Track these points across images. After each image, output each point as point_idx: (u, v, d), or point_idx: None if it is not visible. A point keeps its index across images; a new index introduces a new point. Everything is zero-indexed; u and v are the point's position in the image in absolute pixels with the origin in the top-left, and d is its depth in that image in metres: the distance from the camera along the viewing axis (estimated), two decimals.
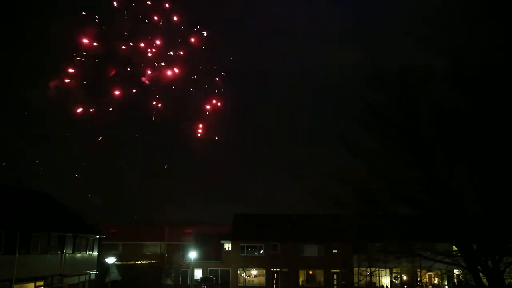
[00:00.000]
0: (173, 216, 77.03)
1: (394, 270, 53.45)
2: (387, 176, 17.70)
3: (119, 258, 43.50)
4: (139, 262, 50.69)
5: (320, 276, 54.72)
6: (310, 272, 55.47)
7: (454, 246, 18.99)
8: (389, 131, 17.66)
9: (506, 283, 17.73)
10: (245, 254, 55.06)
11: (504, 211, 15.39)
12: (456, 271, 42.08)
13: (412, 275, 52.69)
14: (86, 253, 38.92)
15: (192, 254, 50.13)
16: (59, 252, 34.04)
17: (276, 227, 56.00)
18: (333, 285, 54.11)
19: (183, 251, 55.65)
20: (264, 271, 54.57)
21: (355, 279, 52.39)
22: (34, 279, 30.57)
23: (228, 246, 56.17)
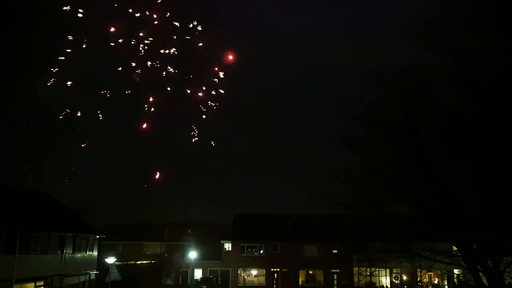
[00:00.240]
0: (173, 216, 77.16)
1: (394, 270, 53.44)
2: (387, 176, 17.71)
3: (119, 258, 43.45)
4: (139, 262, 50.69)
5: (320, 276, 54.70)
6: (310, 272, 55.46)
7: (454, 246, 18.99)
8: (389, 131, 17.67)
9: (506, 283, 17.72)
10: (245, 254, 55.05)
11: (504, 211, 15.40)
12: (456, 271, 42.07)
13: (412, 275, 52.68)
14: (86, 253, 38.91)
15: (192, 254, 50.11)
16: (59, 252, 34.01)
17: (276, 227, 55.97)
18: (333, 285, 54.09)
19: (183, 251, 55.63)
20: (264, 271, 54.55)
21: (355, 279, 52.36)
22: (34, 279, 30.55)
23: (228, 246, 56.16)
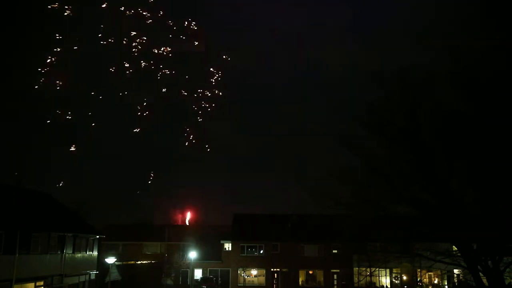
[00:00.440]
0: (173, 216, 77.13)
1: (394, 270, 53.44)
2: (387, 176, 17.71)
3: (119, 258, 43.46)
4: (139, 262, 50.68)
5: (320, 276, 54.70)
6: (310, 272, 55.45)
7: (454, 246, 18.99)
8: (389, 131, 17.67)
9: (506, 283, 17.72)
10: (245, 254, 55.05)
11: (504, 211, 15.40)
12: (456, 271, 42.10)
13: (412, 275, 52.67)
14: (86, 253, 38.91)
15: (192, 254, 50.11)
16: (59, 252, 34.01)
17: (276, 227, 55.96)
18: (333, 285, 54.09)
19: (183, 251, 55.63)
20: (264, 271, 54.56)
21: (355, 279, 52.37)
22: (34, 279, 30.55)
23: (228, 246, 56.15)
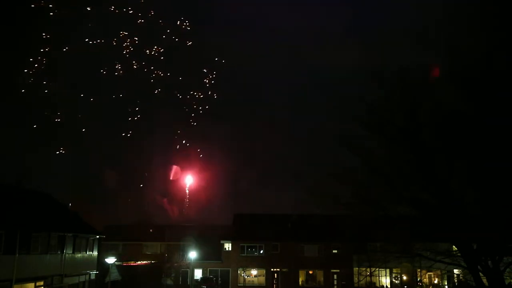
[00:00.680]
0: (173, 215, 77.08)
1: (394, 270, 53.43)
2: (387, 176, 17.71)
3: (119, 258, 43.50)
4: (139, 262, 50.70)
5: (320, 276, 54.70)
6: (310, 272, 55.45)
7: (454, 246, 18.99)
8: (389, 131, 17.66)
9: (506, 283, 17.71)
10: (245, 254, 55.04)
11: (504, 211, 15.39)
12: (456, 271, 42.04)
13: (412, 275, 52.66)
14: (86, 253, 38.93)
15: (192, 254, 50.11)
16: (59, 252, 34.03)
17: (276, 227, 55.94)
18: (333, 285, 54.08)
19: (183, 251, 55.64)
20: (264, 271, 54.55)
21: (355, 279, 52.36)
22: (34, 279, 30.57)
23: (228, 246, 56.15)
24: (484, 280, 17.16)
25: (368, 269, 46.76)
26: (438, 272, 49.07)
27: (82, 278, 38.07)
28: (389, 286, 53.58)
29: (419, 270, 50.08)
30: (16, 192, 35.32)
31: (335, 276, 54.28)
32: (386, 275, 53.56)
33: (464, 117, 15.68)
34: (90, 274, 39.40)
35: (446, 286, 52.27)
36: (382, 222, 19.15)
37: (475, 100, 15.45)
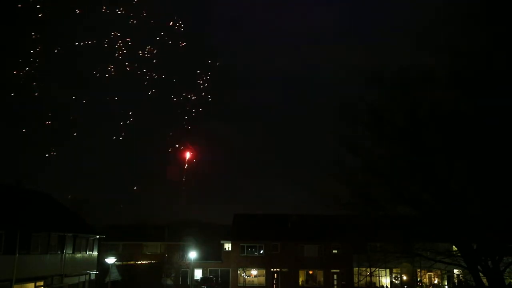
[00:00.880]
0: (173, 216, 77.13)
1: (394, 270, 53.43)
2: (387, 176, 17.72)
3: (119, 258, 43.45)
4: (139, 262, 50.67)
5: (320, 276, 54.69)
6: (310, 272, 55.45)
7: (454, 246, 18.99)
8: (389, 131, 17.66)
9: (506, 283, 17.73)
10: (245, 254, 55.04)
11: (504, 211, 15.39)
12: (456, 271, 42.08)
13: (412, 275, 52.66)
14: (86, 253, 38.91)
15: (192, 254, 50.10)
16: (59, 252, 34.02)
17: (276, 227, 55.97)
18: (333, 285, 54.09)
19: (183, 251, 55.63)
20: (264, 271, 54.54)
21: (355, 279, 52.36)
22: (34, 279, 30.55)
23: (228, 246, 56.15)
24: (484, 280, 17.17)
25: (368, 269, 46.82)
26: (438, 272, 49.09)
27: (82, 278, 38.06)
28: (389, 286, 53.58)
29: (419, 270, 50.10)
30: (16, 192, 35.31)
31: (335, 276, 54.28)
32: (386, 275, 53.55)
33: (464, 117, 15.68)
34: (90, 274, 39.39)
35: (446, 286, 52.27)
36: (382, 222, 19.17)
37: (475, 100, 15.45)
